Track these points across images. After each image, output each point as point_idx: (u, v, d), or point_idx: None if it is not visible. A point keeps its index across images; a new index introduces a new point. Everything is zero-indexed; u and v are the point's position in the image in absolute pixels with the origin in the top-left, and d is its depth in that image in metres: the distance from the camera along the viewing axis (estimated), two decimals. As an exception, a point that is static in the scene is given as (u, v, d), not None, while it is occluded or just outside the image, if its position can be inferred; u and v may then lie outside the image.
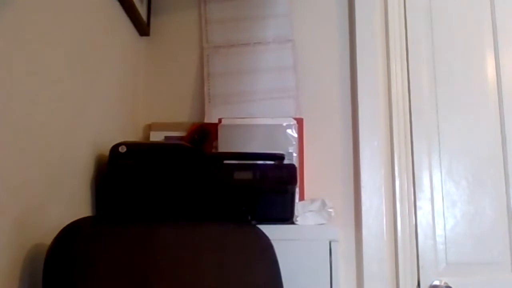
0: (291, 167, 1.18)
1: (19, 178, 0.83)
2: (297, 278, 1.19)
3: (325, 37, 1.72)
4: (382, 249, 1.58)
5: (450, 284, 1.58)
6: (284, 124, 1.52)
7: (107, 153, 1.15)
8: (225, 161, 1.19)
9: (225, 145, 1.48)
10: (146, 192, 1.15)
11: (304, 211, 1.34)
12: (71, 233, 0.85)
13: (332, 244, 1.24)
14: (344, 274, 1.57)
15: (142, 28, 1.62)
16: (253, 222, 1.18)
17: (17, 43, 0.83)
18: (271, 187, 1.16)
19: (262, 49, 1.68)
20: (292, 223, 1.30)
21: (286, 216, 1.25)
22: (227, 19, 1.70)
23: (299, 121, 1.54)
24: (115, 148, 1.14)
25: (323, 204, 1.37)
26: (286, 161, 1.20)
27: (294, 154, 1.49)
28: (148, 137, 1.60)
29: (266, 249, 1.07)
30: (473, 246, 1.63)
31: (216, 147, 1.49)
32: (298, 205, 1.33)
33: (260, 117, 1.56)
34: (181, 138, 1.56)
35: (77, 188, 1.09)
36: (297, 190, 1.24)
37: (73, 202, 1.06)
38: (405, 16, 1.75)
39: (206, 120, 1.62)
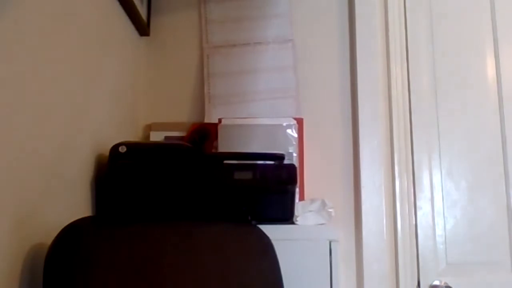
0: (291, 167, 1.18)
1: (19, 178, 0.83)
2: (297, 278, 1.18)
3: (325, 37, 1.72)
4: (382, 249, 1.57)
5: (450, 284, 1.58)
6: (284, 124, 1.52)
7: (107, 153, 1.15)
8: (225, 161, 1.19)
9: (225, 145, 1.48)
10: (146, 192, 1.15)
11: (304, 211, 1.34)
12: (71, 233, 0.85)
13: (332, 244, 1.24)
14: (344, 274, 1.57)
15: (142, 28, 1.62)
16: (253, 222, 1.18)
17: (17, 43, 0.83)
18: (271, 187, 1.16)
19: (262, 49, 1.68)
20: (292, 223, 1.30)
21: (286, 216, 1.25)
22: (227, 19, 1.70)
23: (299, 121, 1.54)
24: (115, 148, 1.14)
25: (323, 204, 1.37)
26: (286, 161, 1.20)
27: (294, 154, 1.49)
28: (148, 137, 1.60)
29: (266, 249, 1.07)
30: (473, 246, 1.63)
31: (216, 147, 1.49)
32: (298, 205, 1.33)
33: (260, 117, 1.56)
34: (181, 138, 1.56)
35: (77, 188, 1.09)
36: (297, 190, 1.24)
37: (73, 202, 1.06)
38: (405, 16, 1.75)
39: (206, 120, 1.62)
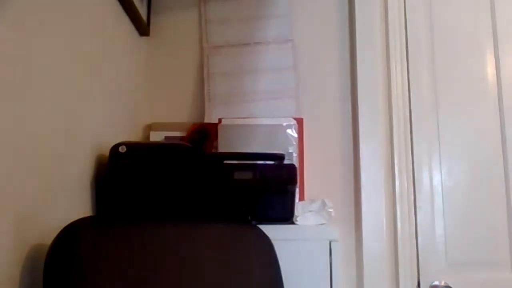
0: (291, 167, 1.18)
1: (19, 178, 0.83)
2: (297, 278, 1.18)
3: (325, 37, 1.72)
4: (382, 249, 1.58)
5: (450, 284, 1.58)
6: (284, 124, 1.52)
7: (107, 153, 1.15)
8: (225, 161, 1.19)
9: (225, 145, 1.48)
10: (146, 192, 1.15)
11: (304, 211, 1.34)
12: (71, 233, 0.85)
13: (332, 244, 1.24)
14: (344, 274, 1.57)
15: (142, 28, 1.61)
16: (253, 222, 1.18)
17: (17, 43, 0.83)
18: (271, 187, 1.16)
19: (262, 49, 1.68)
20: (292, 223, 1.30)
21: (286, 216, 1.25)
22: (227, 19, 1.70)
23: (299, 121, 1.54)
24: (115, 148, 1.14)
25: (323, 204, 1.36)
26: (286, 161, 1.20)
27: (294, 154, 1.49)
28: (148, 137, 1.60)
29: (266, 249, 1.07)
30: (473, 246, 1.63)
31: (216, 147, 1.49)
32: (298, 205, 1.33)
33: (260, 117, 1.56)
34: (181, 138, 1.56)
35: (77, 188, 1.09)
36: (297, 190, 1.24)
37: (73, 202, 1.06)
38: (405, 16, 1.75)
39: (206, 120, 1.62)
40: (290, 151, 1.49)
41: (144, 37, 1.68)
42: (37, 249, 0.87)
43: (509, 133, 1.70)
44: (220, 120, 1.53)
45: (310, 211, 1.34)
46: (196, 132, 1.55)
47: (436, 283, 1.59)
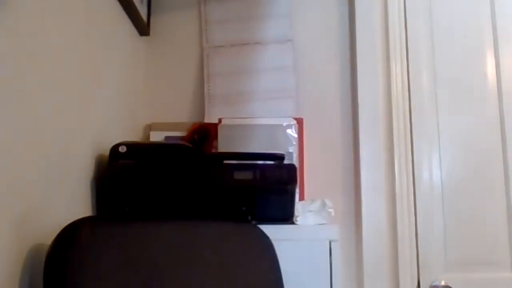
0: (291, 167, 1.18)
1: (19, 178, 0.83)
2: (297, 278, 1.18)
3: (325, 37, 1.72)
4: (382, 249, 1.57)
5: (450, 284, 1.58)
6: (284, 124, 1.52)
7: (107, 153, 1.15)
8: (225, 161, 1.19)
9: (225, 145, 1.48)
10: (146, 192, 1.15)
11: (304, 211, 1.34)
12: (71, 233, 0.85)
13: (332, 244, 1.24)
14: (344, 274, 1.57)
15: (142, 28, 1.62)
16: (253, 222, 1.18)
17: (17, 43, 0.83)
18: (271, 187, 1.16)
19: (262, 49, 1.68)
20: (292, 223, 1.30)
21: (286, 216, 1.25)
22: (227, 19, 1.70)
23: (299, 121, 1.54)
24: (115, 148, 1.14)
25: (323, 204, 1.36)
26: (286, 161, 1.20)
27: (294, 154, 1.49)
28: (148, 137, 1.60)
29: (266, 249, 1.07)
30: (473, 246, 1.63)
31: (216, 147, 1.49)
32: (298, 205, 1.33)
33: (260, 117, 1.56)
34: (181, 138, 1.56)
35: (77, 188, 1.09)
36: (297, 190, 1.25)
37: (73, 202, 1.06)
38: (405, 16, 1.75)
39: (206, 120, 1.62)
40: (290, 151, 1.49)
41: (144, 37, 1.68)
42: (37, 249, 0.87)
43: (509, 133, 1.70)
44: (220, 120, 1.53)
45: (310, 211, 1.34)
46: (196, 132, 1.55)
47: (436, 283, 1.59)
